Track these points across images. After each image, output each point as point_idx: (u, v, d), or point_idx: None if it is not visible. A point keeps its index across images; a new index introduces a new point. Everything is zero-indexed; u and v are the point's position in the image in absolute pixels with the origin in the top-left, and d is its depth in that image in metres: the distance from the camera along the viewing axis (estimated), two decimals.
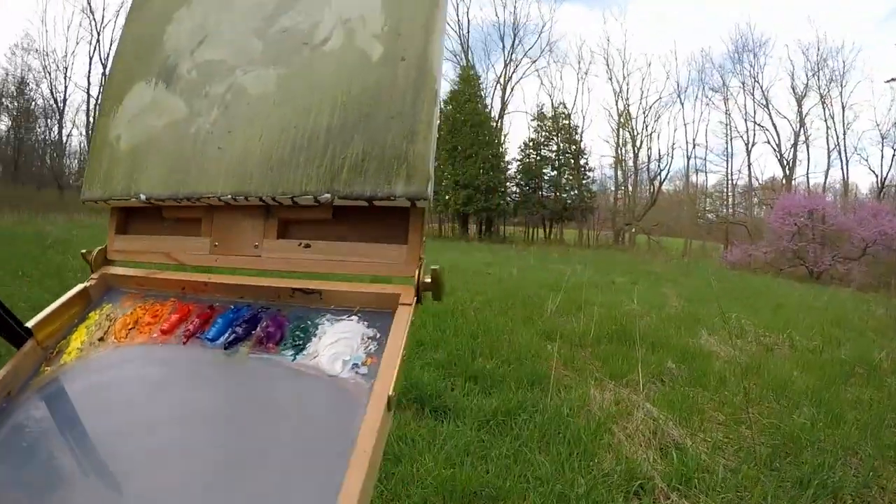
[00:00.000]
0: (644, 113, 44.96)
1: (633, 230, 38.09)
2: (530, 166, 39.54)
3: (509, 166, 39.85)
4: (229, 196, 1.04)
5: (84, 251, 1.24)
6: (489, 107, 41.11)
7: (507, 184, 39.10)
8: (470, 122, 37.18)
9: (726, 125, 40.86)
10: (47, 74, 37.03)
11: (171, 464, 0.88)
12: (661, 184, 41.90)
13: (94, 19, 40.84)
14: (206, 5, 1.22)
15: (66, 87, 42.51)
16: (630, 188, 42.40)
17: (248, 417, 0.91)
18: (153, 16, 1.27)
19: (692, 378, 4.83)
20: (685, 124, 54.28)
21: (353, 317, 0.98)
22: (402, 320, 0.92)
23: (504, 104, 42.42)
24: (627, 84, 51.41)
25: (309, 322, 0.98)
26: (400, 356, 0.87)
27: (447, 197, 36.99)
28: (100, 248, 1.25)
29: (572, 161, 39.63)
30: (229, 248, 1.10)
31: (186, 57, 1.18)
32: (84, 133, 37.11)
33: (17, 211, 20.28)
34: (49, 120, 38.14)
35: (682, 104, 57.16)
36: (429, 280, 0.95)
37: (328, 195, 0.95)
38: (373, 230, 1.00)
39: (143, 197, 1.13)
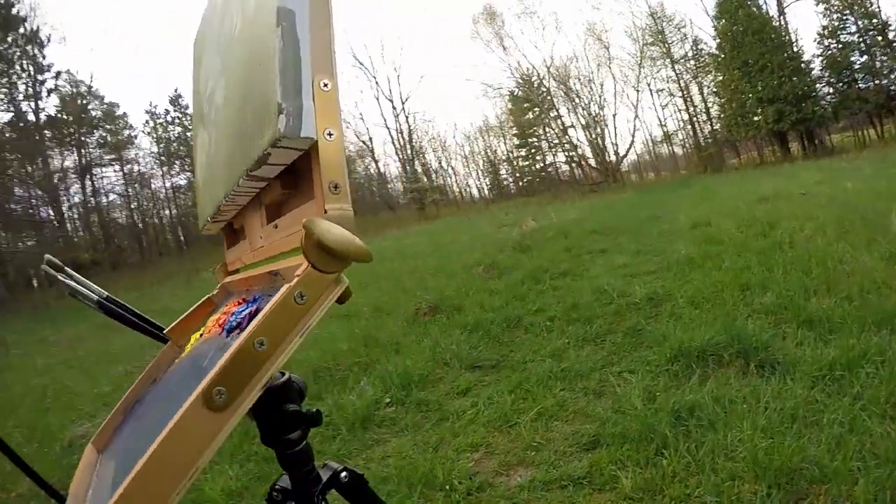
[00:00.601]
0: None
1: None
2: (834, 59, 32.76)
3: (811, 66, 34.37)
4: (223, 201, 1.07)
5: (212, 268, 1.44)
6: (764, 6, 35.12)
7: (816, 86, 33.83)
8: (750, 30, 32.95)
9: None
10: (348, 125, 43.83)
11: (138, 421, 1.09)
12: None
13: (365, 66, 45.39)
14: (206, 53, 1.27)
15: (367, 129, 50.30)
16: None
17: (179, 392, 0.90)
18: (195, 77, 1.38)
19: None
20: None
21: None
22: (277, 297, 0.71)
23: None
24: None
25: None
26: (242, 342, 0.67)
27: (756, 118, 33.46)
28: (221, 263, 1.42)
29: (879, 38, 31.88)
30: (252, 245, 1.16)
31: (204, 97, 1.25)
32: (400, 159, 42.39)
33: (357, 235, 23.81)
34: (364, 159, 44.51)
35: None
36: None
37: (244, 174, 0.88)
38: (311, 190, 0.85)
39: (208, 219, 1.25)
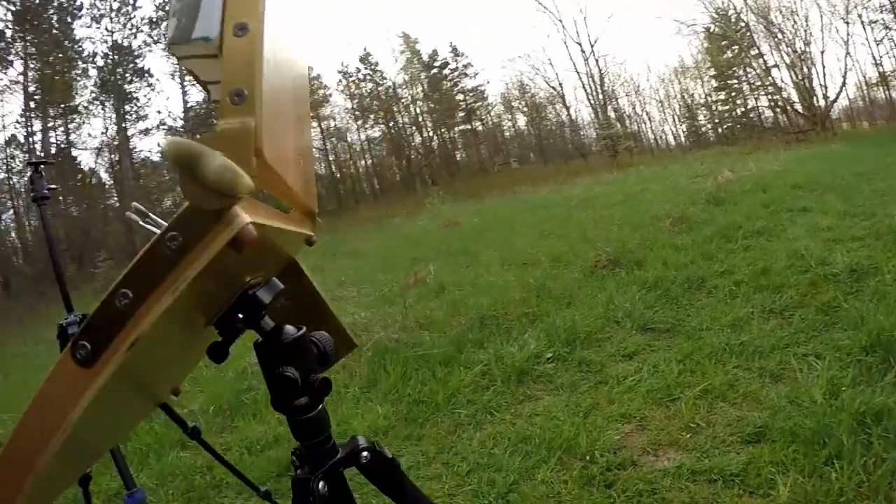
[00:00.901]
0: None
1: None
2: None
3: None
4: None
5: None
6: None
7: None
8: None
9: None
10: (537, 71, 45.49)
11: None
12: None
13: (549, 10, 43.50)
14: None
15: (556, 75, 49.18)
16: None
17: None
18: None
19: None
20: None
21: None
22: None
23: None
24: None
25: None
26: (107, 295, 0.54)
27: None
28: None
29: None
30: None
31: None
32: (591, 104, 40.72)
33: (548, 182, 23.28)
34: (555, 105, 43.42)
35: None
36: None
37: None
38: None
39: None
